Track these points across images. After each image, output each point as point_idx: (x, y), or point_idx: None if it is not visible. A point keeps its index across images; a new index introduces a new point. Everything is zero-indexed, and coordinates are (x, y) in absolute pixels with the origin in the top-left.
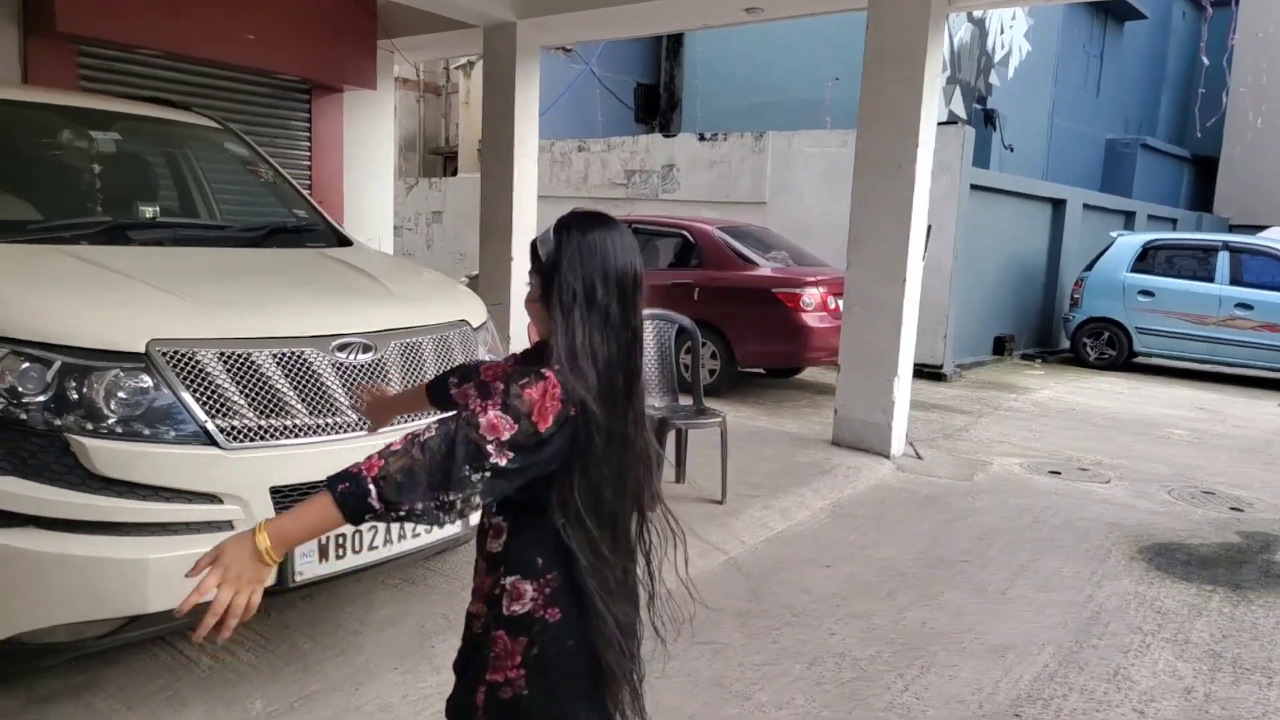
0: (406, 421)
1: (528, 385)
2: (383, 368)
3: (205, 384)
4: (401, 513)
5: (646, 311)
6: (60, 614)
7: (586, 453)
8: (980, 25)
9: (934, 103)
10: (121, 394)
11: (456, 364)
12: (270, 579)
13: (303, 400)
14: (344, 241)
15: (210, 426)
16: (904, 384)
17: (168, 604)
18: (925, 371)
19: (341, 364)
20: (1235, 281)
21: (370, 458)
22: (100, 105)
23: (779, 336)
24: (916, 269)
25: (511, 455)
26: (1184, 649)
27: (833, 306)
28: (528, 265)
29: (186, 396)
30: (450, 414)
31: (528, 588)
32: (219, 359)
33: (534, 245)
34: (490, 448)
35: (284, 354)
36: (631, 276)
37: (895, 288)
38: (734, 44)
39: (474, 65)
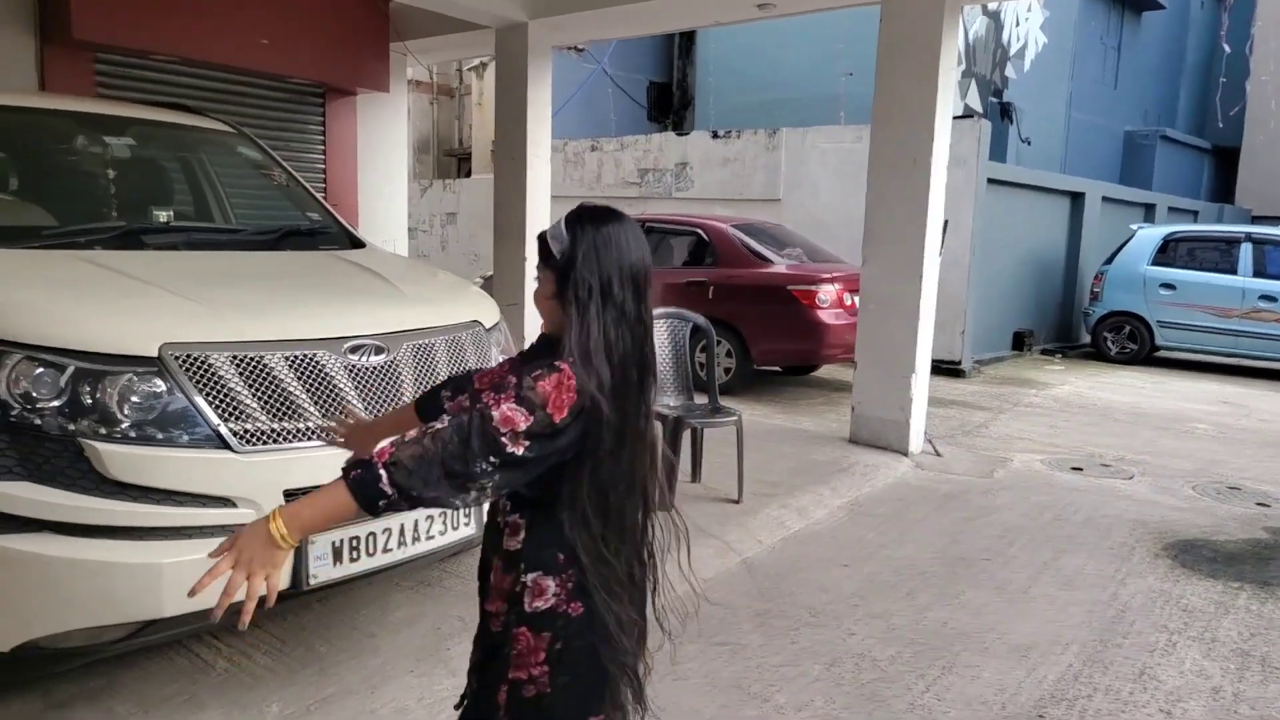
0: None
1: (541, 378)
2: (395, 369)
3: (218, 387)
4: (414, 497)
5: (660, 310)
6: (75, 619)
7: (597, 448)
8: (995, 18)
9: (949, 97)
10: (135, 398)
11: (467, 366)
12: (285, 563)
13: (315, 403)
14: (357, 244)
15: (223, 430)
16: (922, 381)
17: (182, 608)
18: (943, 368)
19: (354, 366)
20: (1259, 274)
21: (382, 445)
22: (114, 111)
23: (795, 334)
24: (933, 264)
25: (528, 444)
26: (1211, 647)
27: (849, 303)
28: (536, 259)
29: (199, 400)
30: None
31: (550, 584)
32: (231, 362)
33: (543, 239)
34: (505, 439)
35: (296, 357)
36: (644, 270)
37: (912, 284)
38: (746, 41)
39: (486, 66)
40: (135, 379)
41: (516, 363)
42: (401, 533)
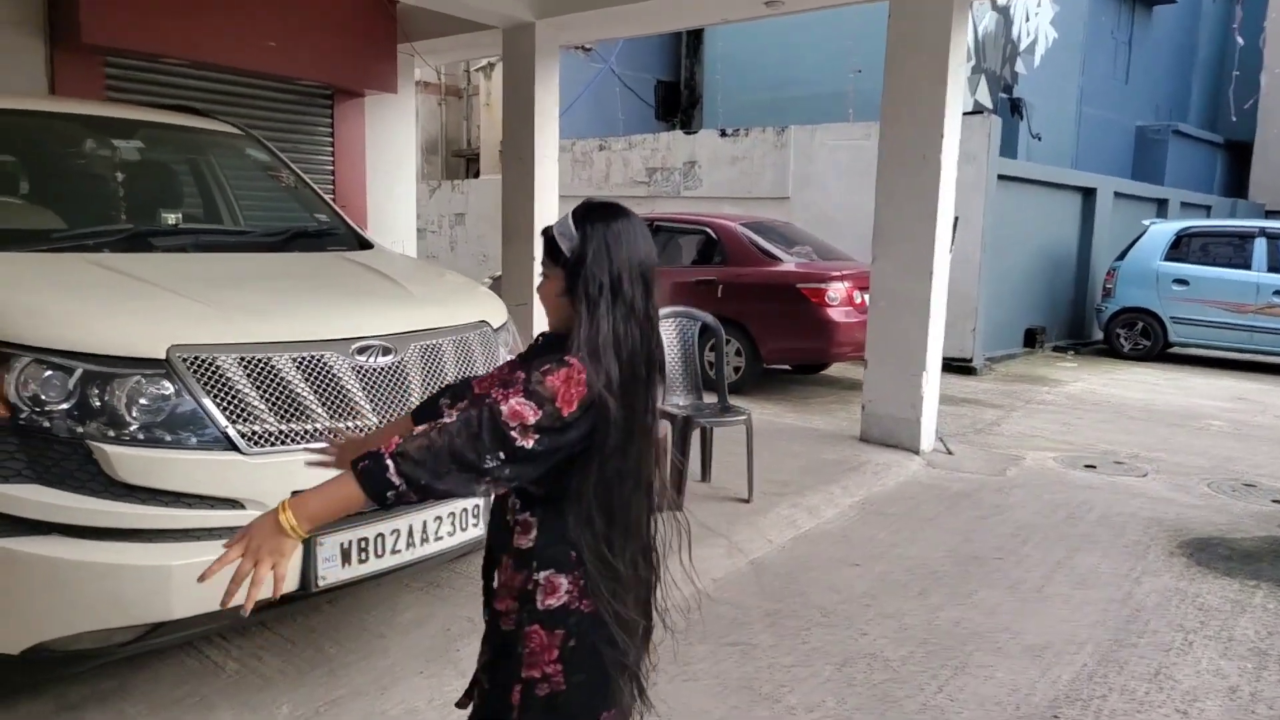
0: None
1: (550, 372)
2: (402, 370)
3: (226, 389)
4: (422, 486)
5: (668, 309)
6: (85, 621)
7: (605, 445)
8: (1005, 13)
9: (959, 92)
10: (143, 400)
11: (475, 366)
12: (293, 553)
13: (323, 404)
14: (364, 245)
15: (231, 432)
16: (933, 378)
17: (192, 610)
18: (955, 365)
19: (361, 367)
20: (1273, 268)
21: (392, 439)
22: (122, 114)
23: (804, 332)
24: (944, 261)
25: (537, 438)
26: (1228, 647)
27: (859, 301)
28: (540, 255)
29: (207, 402)
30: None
31: (562, 581)
32: (239, 364)
33: (550, 236)
34: (514, 432)
35: (304, 358)
36: (652, 266)
37: (922, 281)
38: (754, 39)
39: (494, 67)
40: (143, 381)
41: (516, 364)
42: (410, 534)
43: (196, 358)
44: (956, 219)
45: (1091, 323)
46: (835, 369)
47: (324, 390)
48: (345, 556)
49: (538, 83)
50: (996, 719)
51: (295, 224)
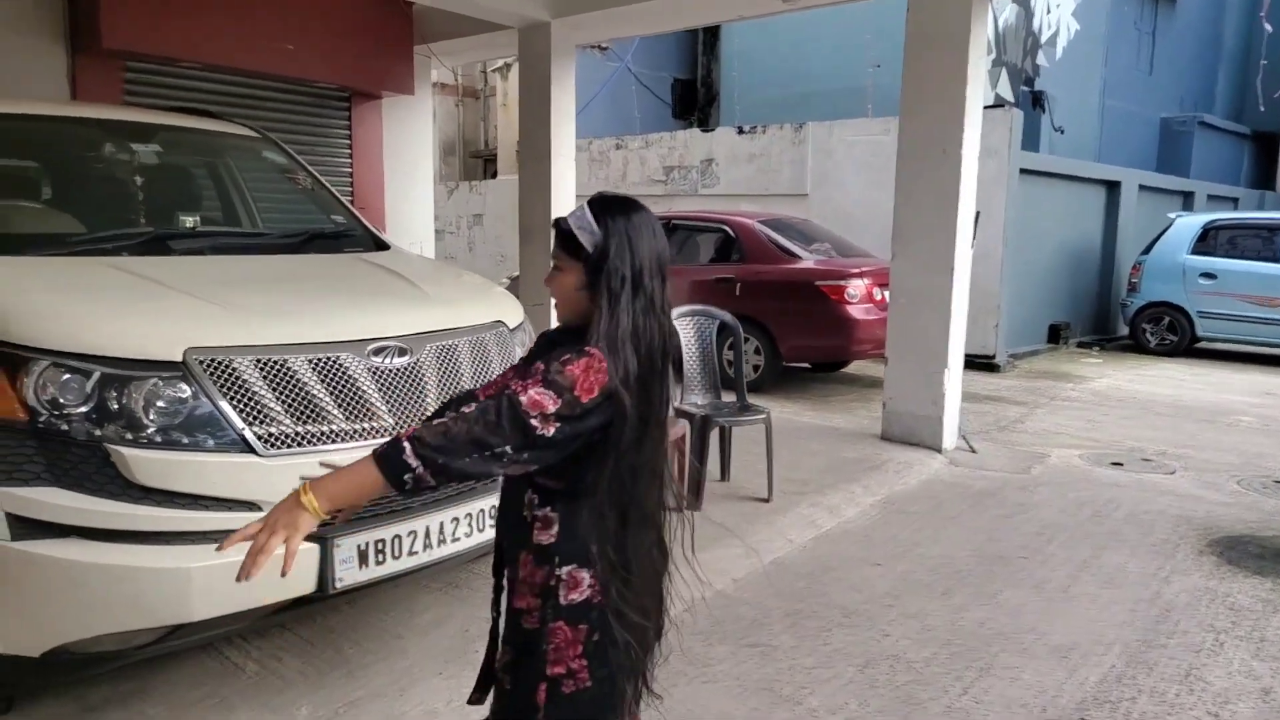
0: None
1: (569, 362)
2: (418, 371)
3: (242, 391)
4: (439, 466)
5: (686, 308)
6: (104, 624)
7: (620, 439)
8: (1025, 5)
9: (979, 85)
10: (160, 403)
11: (491, 367)
12: (308, 529)
13: (339, 405)
14: (381, 246)
15: (248, 434)
16: (955, 375)
17: (211, 612)
18: (977, 362)
19: (377, 368)
20: None
21: (410, 427)
22: (141, 118)
23: (823, 330)
24: (965, 257)
25: (558, 425)
26: (1260, 647)
27: (879, 298)
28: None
29: (224, 405)
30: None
31: (585, 575)
32: (255, 366)
33: (566, 230)
34: (535, 421)
35: (320, 359)
36: (666, 259)
37: (943, 277)
38: (771, 35)
39: (511, 67)
40: (160, 384)
41: (520, 368)
42: (427, 535)
43: (213, 360)
44: (978, 214)
45: (1117, 318)
46: (855, 367)
47: (340, 391)
48: (362, 558)
49: (554, 82)
50: None
51: (312, 226)
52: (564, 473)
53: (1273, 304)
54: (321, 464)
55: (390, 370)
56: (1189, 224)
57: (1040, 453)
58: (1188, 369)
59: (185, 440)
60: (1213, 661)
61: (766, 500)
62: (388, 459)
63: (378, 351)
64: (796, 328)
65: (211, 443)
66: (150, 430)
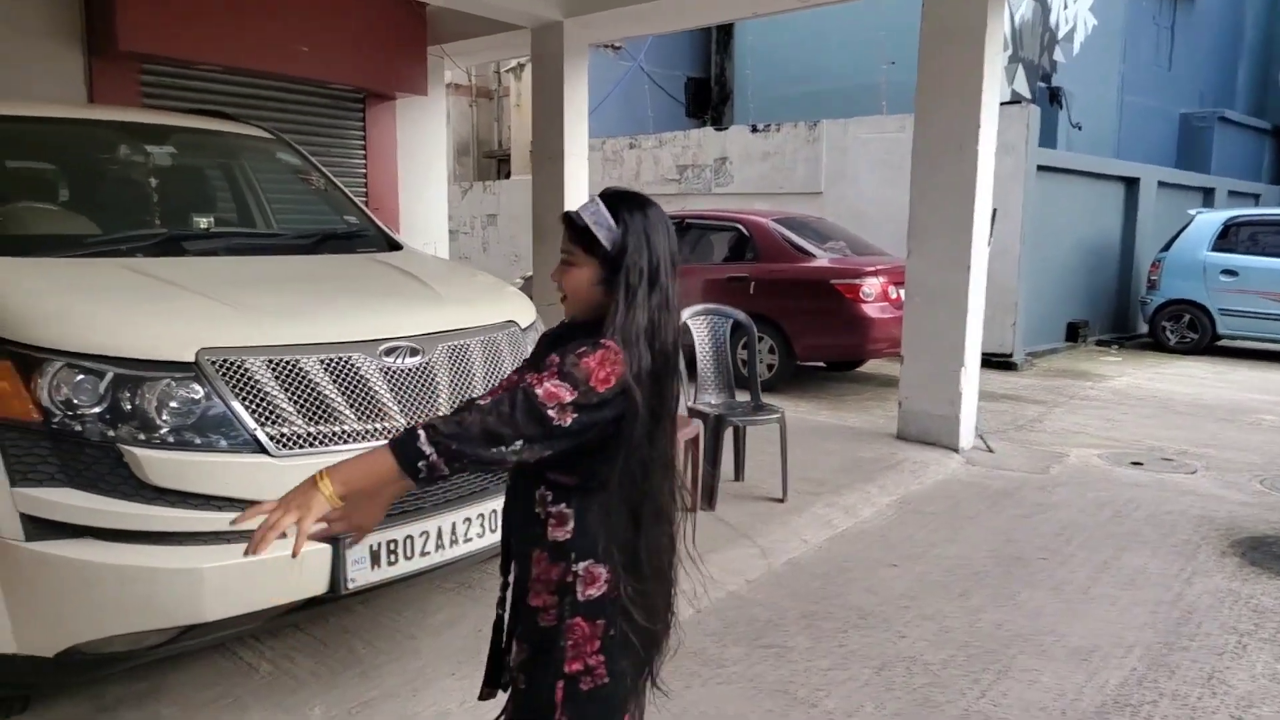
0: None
1: (585, 354)
2: (430, 371)
3: (254, 392)
4: (453, 452)
5: (700, 307)
6: (116, 624)
7: (631, 434)
8: (1042, 0)
9: (995, 82)
10: (173, 404)
11: (503, 367)
12: (320, 512)
13: (351, 406)
14: (394, 246)
15: (260, 435)
16: (971, 374)
17: (223, 613)
18: (994, 361)
19: (389, 368)
20: None
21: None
22: (156, 120)
23: (838, 329)
24: (982, 254)
25: (575, 415)
26: None
27: (894, 296)
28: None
29: (236, 405)
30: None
31: (602, 570)
32: (267, 366)
33: (581, 224)
34: (552, 412)
35: (331, 360)
36: (678, 255)
37: (959, 274)
38: (785, 33)
39: (524, 68)
40: (173, 384)
41: (524, 369)
42: (439, 535)
43: (225, 360)
44: (995, 211)
45: (1136, 316)
46: (870, 366)
47: (352, 392)
48: (375, 559)
49: (567, 82)
50: None
51: (325, 226)
52: (578, 468)
53: None
54: (311, 535)
55: (402, 370)
56: (1210, 220)
57: (1059, 452)
58: (1209, 367)
59: (198, 441)
60: (1236, 664)
61: (781, 500)
62: (402, 445)
63: (390, 351)
64: (811, 327)
65: (224, 443)
66: (163, 431)
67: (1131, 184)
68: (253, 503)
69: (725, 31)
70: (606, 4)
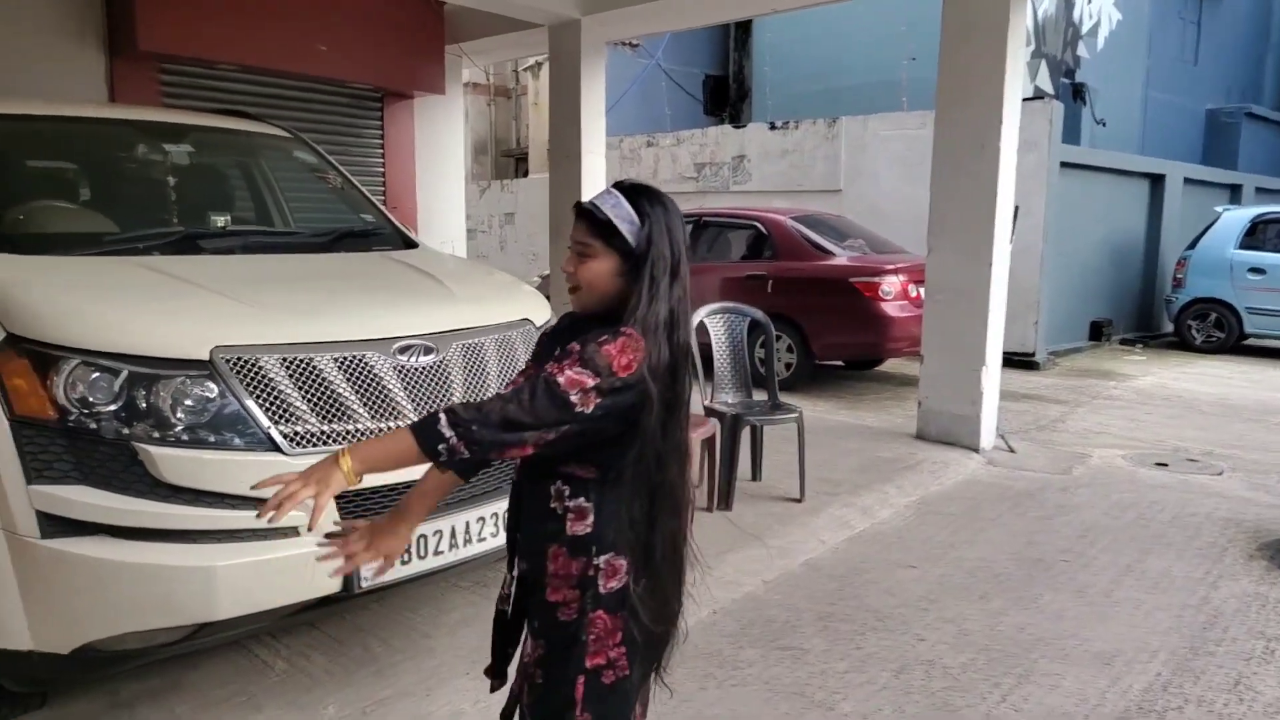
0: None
1: (606, 342)
2: (444, 369)
3: (268, 390)
4: (473, 435)
5: (717, 305)
6: (130, 622)
7: (647, 425)
8: None
9: (1018, 77)
10: (188, 402)
11: (517, 365)
12: (339, 488)
13: (364, 404)
14: (410, 244)
15: (274, 433)
16: (993, 373)
17: (235, 611)
18: (1016, 360)
19: (403, 366)
20: None
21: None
22: (174, 119)
23: (857, 327)
24: (1003, 252)
25: (599, 400)
26: None
27: (914, 295)
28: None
29: (250, 403)
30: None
31: (622, 562)
32: (281, 364)
33: (601, 216)
34: (575, 398)
35: (345, 358)
36: (688, 245)
37: (981, 272)
38: (804, 29)
39: (542, 66)
40: (187, 382)
41: (527, 367)
42: (453, 534)
43: (239, 358)
44: (1017, 208)
45: (1161, 314)
46: (889, 365)
47: (366, 390)
48: None
49: (584, 79)
50: None
51: (342, 225)
52: (597, 459)
53: None
54: (318, 559)
55: (416, 369)
56: (1237, 217)
57: (1081, 453)
58: (1235, 367)
59: (212, 439)
60: (1263, 670)
61: (799, 500)
62: (423, 428)
63: (404, 350)
64: (830, 325)
65: (238, 441)
66: (177, 429)
67: (1157, 181)
68: (265, 501)
69: (744, 28)
70: (624, 1)
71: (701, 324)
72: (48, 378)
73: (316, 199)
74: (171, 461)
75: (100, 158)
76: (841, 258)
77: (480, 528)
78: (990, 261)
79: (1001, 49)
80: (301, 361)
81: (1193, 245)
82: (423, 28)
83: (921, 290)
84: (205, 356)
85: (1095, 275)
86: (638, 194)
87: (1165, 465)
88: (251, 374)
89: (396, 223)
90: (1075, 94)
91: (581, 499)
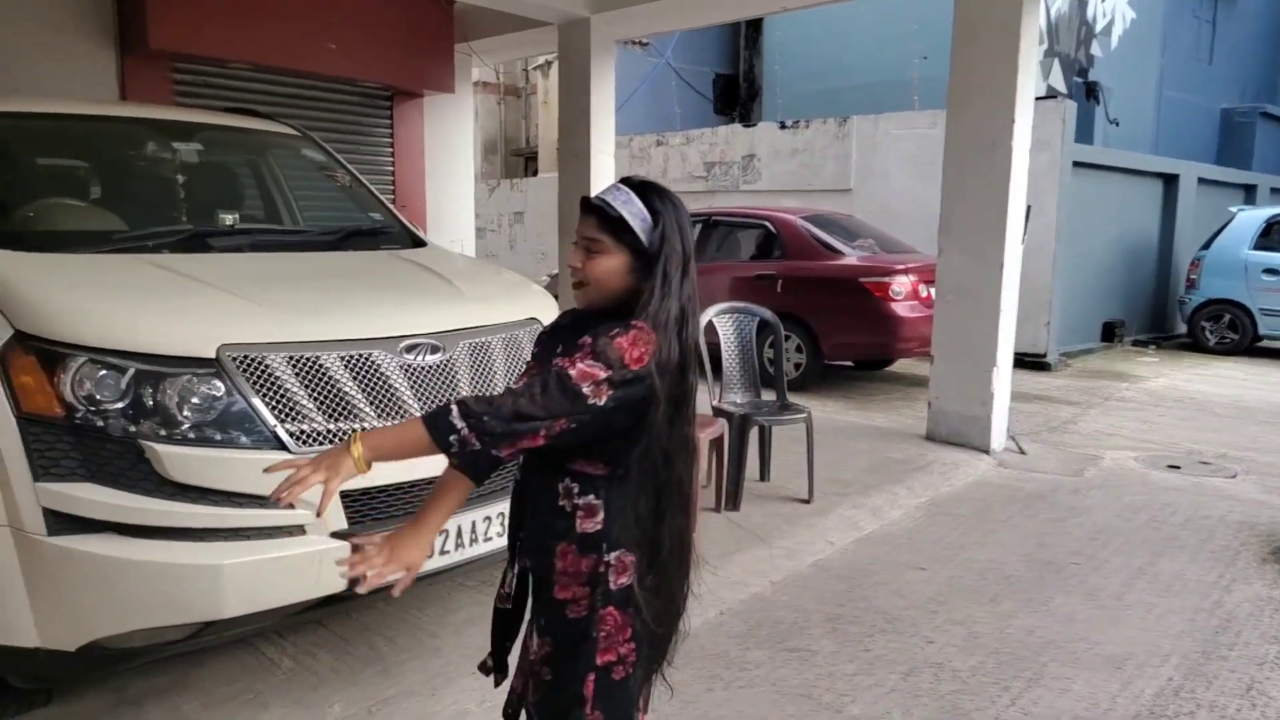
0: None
1: (618, 335)
2: (451, 368)
3: (275, 388)
4: (484, 426)
5: (726, 305)
6: (136, 620)
7: (655, 422)
8: None
9: (1030, 76)
10: (194, 400)
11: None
12: (349, 475)
13: (371, 403)
14: (418, 243)
15: (280, 431)
16: (1003, 374)
17: (241, 609)
18: (1027, 361)
19: (409, 365)
20: None
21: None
22: (184, 117)
23: (867, 327)
24: (1015, 252)
25: (611, 393)
26: None
27: (924, 295)
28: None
29: (256, 401)
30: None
31: (631, 559)
32: (288, 363)
33: (612, 212)
34: (587, 390)
35: (352, 356)
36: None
37: (992, 272)
38: (814, 27)
39: (551, 65)
40: (194, 380)
41: (528, 367)
42: (459, 534)
43: (246, 357)
44: (1029, 208)
45: (1174, 315)
46: (899, 365)
47: (372, 389)
48: None
49: (593, 78)
50: None
51: (350, 223)
52: (607, 456)
53: None
54: (338, 561)
55: (423, 367)
56: (1252, 218)
57: (1093, 455)
58: (1249, 368)
59: (218, 437)
60: (1276, 675)
61: (807, 501)
62: (435, 419)
63: (410, 348)
64: (839, 325)
65: (244, 439)
66: (184, 426)
67: (1170, 181)
68: (278, 485)
69: (754, 27)
70: None
71: (710, 323)
72: (55, 375)
73: (325, 197)
74: (178, 459)
75: (110, 156)
76: (851, 257)
77: (486, 527)
78: (1001, 262)
79: (1013, 47)
80: (308, 360)
81: (1206, 246)
82: (432, 26)
83: (932, 290)
84: (212, 354)
85: (1108, 276)
86: (647, 190)
87: (1178, 468)
88: (258, 372)
89: (405, 221)
90: (1089, 93)
91: (591, 496)
